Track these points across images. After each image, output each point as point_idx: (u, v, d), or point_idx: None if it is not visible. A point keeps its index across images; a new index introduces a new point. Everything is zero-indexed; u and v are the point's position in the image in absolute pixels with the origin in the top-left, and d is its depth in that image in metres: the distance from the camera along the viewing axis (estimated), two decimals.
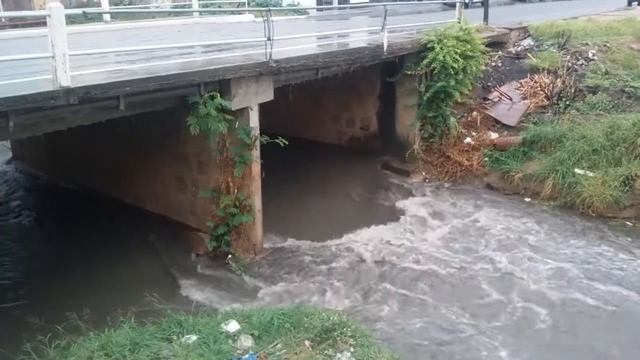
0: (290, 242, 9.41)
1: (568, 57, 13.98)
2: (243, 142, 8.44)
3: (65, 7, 6.49)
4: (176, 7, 21.13)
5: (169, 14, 18.58)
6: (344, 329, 5.96)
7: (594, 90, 12.64)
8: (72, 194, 11.66)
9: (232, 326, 5.99)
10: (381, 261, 8.87)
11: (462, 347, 6.79)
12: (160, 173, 9.86)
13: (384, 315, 7.46)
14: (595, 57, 13.94)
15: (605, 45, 14.48)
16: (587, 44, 14.52)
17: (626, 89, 12.50)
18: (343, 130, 14.10)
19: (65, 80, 6.19)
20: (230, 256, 8.65)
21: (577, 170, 10.53)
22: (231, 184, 8.53)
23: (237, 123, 8.37)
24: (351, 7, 19.05)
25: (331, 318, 6.04)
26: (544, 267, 8.52)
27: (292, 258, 8.92)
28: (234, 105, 8.23)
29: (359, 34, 12.39)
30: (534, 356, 6.66)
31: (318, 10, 19.42)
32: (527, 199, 10.89)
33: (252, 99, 8.57)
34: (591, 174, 10.37)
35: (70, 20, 11.38)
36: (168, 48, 9.69)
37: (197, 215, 9.27)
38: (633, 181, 9.96)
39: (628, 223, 9.78)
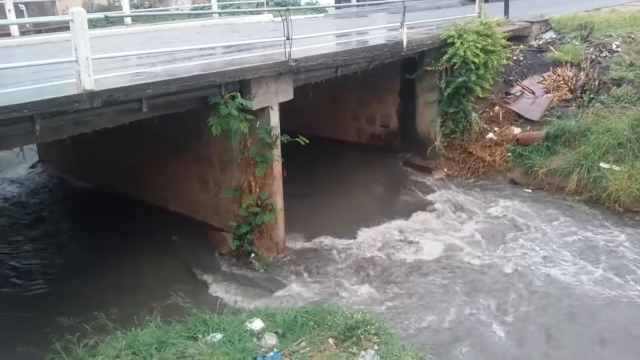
0: (313, 240, 9.43)
1: (591, 49, 13.74)
2: (264, 142, 8.49)
3: (87, 12, 6.58)
4: (195, 8, 21.30)
5: (188, 15, 18.73)
6: (368, 326, 5.98)
7: (618, 82, 12.40)
8: (96, 195, 11.84)
9: (257, 324, 6.05)
10: (405, 258, 8.85)
11: (490, 345, 6.73)
12: (183, 173, 9.97)
13: (408, 313, 7.44)
14: (620, 49, 13.67)
15: (629, 37, 14.19)
16: (611, 36, 14.25)
17: None
18: (363, 128, 14.07)
19: (89, 83, 6.29)
20: (253, 255, 8.71)
21: (602, 165, 10.35)
22: (253, 184, 8.58)
23: (258, 123, 8.43)
24: (370, 4, 18.93)
25: (355, 316, 6.07)
26: (576, 265, 8.42)
27: (314, 256, 8.95)
28: (255, 105, 8.28)
29: (377, 31, 12.32)
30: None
31: (336, 8, 19.38)
32: (552, 194, 10.72)
33: (272, 99, 8.61)
34: (617, 168, 10.18)
35: (93, 24, 11.55)
36: (188, 50, 9.78)
37: (219, 215, 9.35)
38: None
39: None
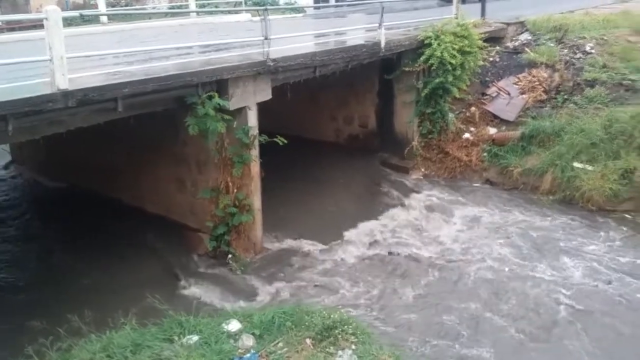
0: (291, 240, 9.42)
1: (566, 51, 13.95)
2: (241, 142, 8.45)
3: (62, 10, 6.48)
4: (173, 7, 21.11)
5: (165, 14, 18.56)
6: (345, 326, 5.99)
7: (592, 83, 12.61)
8: (71, 197, 11.66)
9: (234, 326, 6.02)
10: (382, 258, 8.90)
11: (465, 343, 6.80)
12: (159, 174, 9.88)
13: (385, 312, 7.49)
14: (593, 51, 13.90)
15: (602, 39, 14.45)
16: (585, 38, 14.48)
17: (624, 82, 12.46)
18: (341, 128, 14.11)
19: (63, 83, 6.20)
20: (230, 256, 8.66)
21: (576, 164, 10.54)
22: (230, 184, 8.54)
23: (236, 123, 8.39)
24: (348, 5, 18.97)
25: (332, 316, 6.07)
26: (551, 261, 8.60)
27: (292, 257, 8.94)
28: (232, 104, 8.24)
29: (356, 31, 12.37)
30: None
31: (315, 8, 19.39)
32: (526, 194, 10.88)
33: (250, 99, 8.58)
34: (590, 168, 10.38)
35: (67, 22, 11.38)
36: (165, 49, 9.69)
37: (196, 216, 9.28)
38: (632, 174, 9.97)
39: (627, 216, 9.79)
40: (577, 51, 13.98)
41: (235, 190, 8.56)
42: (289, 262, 8.79)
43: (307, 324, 5.97)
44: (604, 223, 9.68)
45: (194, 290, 8.08)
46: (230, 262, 8.59)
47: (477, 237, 9.45)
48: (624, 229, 9.47)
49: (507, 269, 8.44)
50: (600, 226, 9.59)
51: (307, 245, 9.26)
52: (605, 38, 14.43)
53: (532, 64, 13.49)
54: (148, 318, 6.16)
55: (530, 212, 10.26)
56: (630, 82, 12.42)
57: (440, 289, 8.03)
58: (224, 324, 6.05)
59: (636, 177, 9.93)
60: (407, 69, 11.87)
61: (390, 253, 9.03)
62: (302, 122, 14.05)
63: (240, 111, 8.48)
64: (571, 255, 8.77)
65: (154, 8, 21.67)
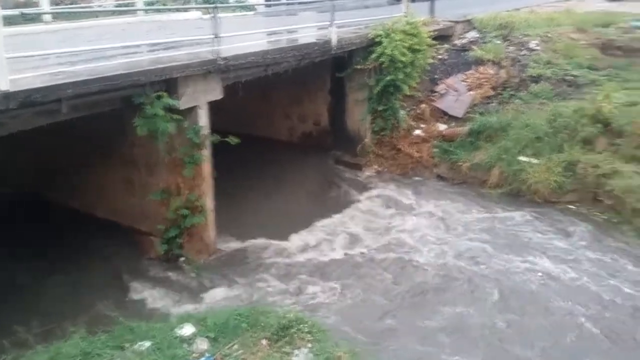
0: (245, 241, 9.32)
1: (512, 48, 14.38)
2: (192, 142, 8.33)
3: (2, 8, 6.21)
4: (120, 5, 20.54)
5: (112, 12, 18.05)
6: (301, 325, 5.99)
7: (536, 79, 13.04)
8: (17, 203, 11.18)
9: (187, 330, 5.93)
10: (336, 255, 8.94)
11: (418, 337, 6.93)
12: (108, 177, 9.62)
13: (342, 309, 7.54)
14: (538, 48, 14.37)
15: (546, 36, 14.95)
16: (530, 35, 14.95)
17: (567, 78, 12.95)
18: (295, 127, 14.11)
19: (4, 84, 5.96)
20: (183, 259, 8.53)
21: (521, 158, 10.87)
22: (181, 185, 8.42)
23: (186, 122, 8.25)
24: (299, 3, 18.93)
25: (287, 315, 6.08)
26: (494, 252, 8.87)
27: (247, 257, 8.88)
28: (182, 104, 8.10)
29: (307, 29, 12.37)
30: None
31: (266, 6, 19.25)
32: (475, 188, 11.15)
33: (200, 98, 8.46)
34: (535, 161, 10.72)
35: (8, 21, 10.92)
36: (112, 48, 9.43)
37: (147, 219, 9.07)
38: (575, 166, 10.36)
39: (571, 207, 10.16)
40: (523, 48, 14.42)
41: (187, 192, 8.44)
42: (244, 262, 8.73)
43: (262, 324, 5.95)
44: (549, 214, 10.01)
45: (145, 295, 7.92)
46: (183, 265, 8.46)
47: (429, 232, 9.61)
48: (570, 219, 9.82)
49: (462, 263, 8.62)
50: (545, 218, 9.92)
51: (261, 244, 9.20)
52: (549, 35, 14.95)
53: (480, 62, 13.84)
54: (98, 326, 5.99)
55: (479, 205, 10.51)
56: (572, 77, 12.92)
57: (396, 285, 8.12)
58: (177, 329, 5.95)
59: (579, 169, 10.31)
60: (358, 67, 11.97)
61: (346, 253, 9.07)
62: (255, 120, 13.97)
63: (191, 111, 8.35)
64: (522, 246, 9.06)
65: (99, 6, 21.04)
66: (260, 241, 9.29)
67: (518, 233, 9.49)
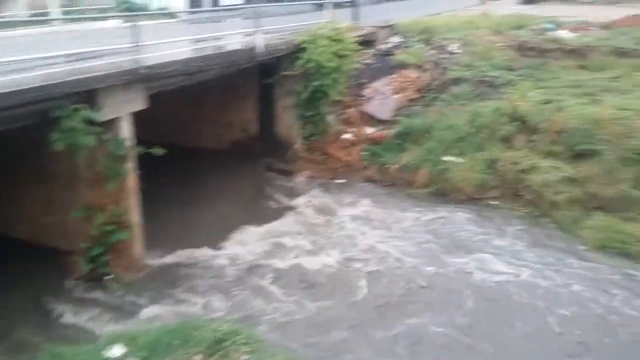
0: (176, 254, 9.03)
1: (433, 52, 14.86)
2: (115, 155, 8.03)
3: None
4: (34, 15, 19.59)
5: (26, 22, 17.18)
6: (236, 337, 5.88)
7: (457, 81, 13.53)
8: None
9: (117, 350, 5.69)
10: (271, 264, 8.86)
11: (355, 342, 6.98)
12: (26, 195, 9.09)
13: (278, 318, 7.48)
14: (458, 51, 14.92)
15: (466, 39, 15.56)
16: (450, 39, 15.51)
17: (485, 79, 13.52)
18: (224, 134, 13.92)
19: None
20: (109, 277, 8.17)
21: (446, 158, 11.25)
22: (105, 200, 8.09)
23: (108, 135, 7.95)
24: (224, 10, 18.75)
25: (221, 328, 5.93)
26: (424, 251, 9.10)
27: (178, 271, 8.63)
28: (103, 116, 7.81)
29: (233, 36, 12.28)
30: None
31: (189, 13, 18.91)
32: (404, 189, 11.41)
33: (122, 109, 8.19)
34: (459, 160, 11.13)
35: None
36: (27, 59, 8.94)
37: (70, 237, 8.62)
38: (495, 164, 10.83)
39: (494, 202, 10.60)
40: (444, 52, 14.94)
41: (111, 207, 8.12)
42: (175, 276, 8.48)
43: (196, 339, 5.78)
44: (477, 211, 10.39)
45: (71, 318, 7.50)
46: (110, 283, 8.10)
47: (361, 235, 9.72)
48: (493, 215, 10.26)
49: (398, 264, 8.77)
50: (474, 215, 10.29)
51: (193, 257, 8.97)
52: (468, 38, 15.57)
53: (403, 65, 14.20)
54: (21, 354, 5.66)
55: (408, 206, 10.75)
56: (491, 78, 13.50)
57: (334, 292, 8.13)
58: (106, 350, 5.69)
59: (499, 166, 10.79)
60: (286, 73, 12.00)
61: (280, 262, 9.00)
62: (182, 129, 13.67)
63: (113, 122, 8.06)
64: (456, 245, 9.35)
65: (13, 15, 19.97)
66: (192, 254, 9.05)
67: (451, 231, 9.76)
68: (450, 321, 7.34)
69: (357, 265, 8.81)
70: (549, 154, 10.73)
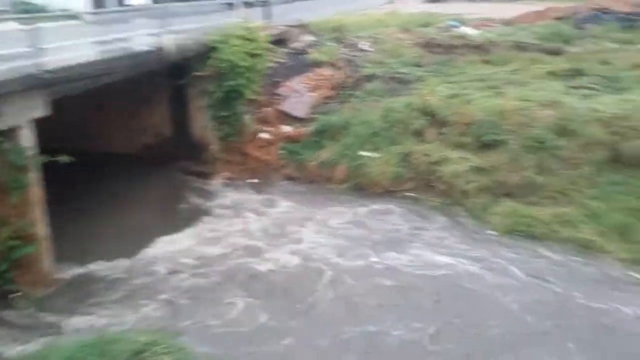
0: (88, 267, 8.61)
1: (345, 50, 15.13)
2: (16, 165, 7.57)
3: None
4: None
5: None
6: (156, 347, 5.74)
7: (370, 78, 13.89)
8: None
9: None
10: (190, 269, 8.66)
11: (284, 344, 6.94)
12: None
13: (199, 323, 7.34)
14: (369, 49, 15.30)
15: (376, 37, 15.99)
16: (361, 37, 15.87)
17: (396, 75, 13.97)
18: (136, 138, 13.43)
19: None
20: (16, 294, 7.66)
21: (362, 153, 11.51)
22: (9, 213, 7.59)
23: (7, 144, 7.48)
24: (132, 10, 18.07)
25: (140, 339, 5.78)
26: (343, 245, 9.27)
27: (90, 284, 8.23)
28: (1, 124, 7.35)
29: (142, 37, 11.86)
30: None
31: (94, 14, 18.08)
32: (323, 185, 11.55)
33: (22, 116, 7.77)
34: (375, 155, 11.41)
35: None
36: None
37: None
38: (409, 157, 11.20)
39: (410, 194, 10.94)
40: (355, 50, 15.27)
41: (14, 220, 7.63)
42: (88, 289, 8.08)
43: (113, 353, 5.60)
44: (392, 203, 10.67)
45: None
46: (17, 301, 7.60)
47: (285, 234, 9.72)
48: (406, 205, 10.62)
49: (322, 263, 8.75)
50: (389, 205, 10.57)
51: (106, 268, 8.58)
52: (378, 37, 16.00)
53: (317, 64, 14.38)
54: None
55: (329, 202, 10.88)
56: (401, 75, 13.95)
57: (255, 293, 8.04)
58: None
59: (413, 159, 11.16)
60: (198, 73, 11.79)
61: (201, 267, 8.82)
62: (92, 135, 13.07)
63: (12, 131, 7.61)
64: (378, 238, 9.56)
65: None
66: (105, 264, 8.66)
67: (371, 225, 9.95)
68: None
69: (281, 265, 8.78)
70: (458, 146, 11.22)
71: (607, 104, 11.09)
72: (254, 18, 13.62)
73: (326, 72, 14.04)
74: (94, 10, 18.43)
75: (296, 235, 9.68)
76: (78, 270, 8.56)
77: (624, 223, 9.04)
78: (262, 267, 8.70)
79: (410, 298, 7.81)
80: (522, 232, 9.45)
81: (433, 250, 9.02)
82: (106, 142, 13.25)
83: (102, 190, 10.99)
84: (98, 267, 8.62)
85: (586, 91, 12.13)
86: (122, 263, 8.77)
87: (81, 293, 8.02)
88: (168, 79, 12.30)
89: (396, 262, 8.71)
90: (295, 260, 8.87)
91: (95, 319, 7.38)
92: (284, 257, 8.97)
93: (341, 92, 13.48)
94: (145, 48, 10.54)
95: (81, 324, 7.26)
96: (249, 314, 7.53)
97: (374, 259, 8.82)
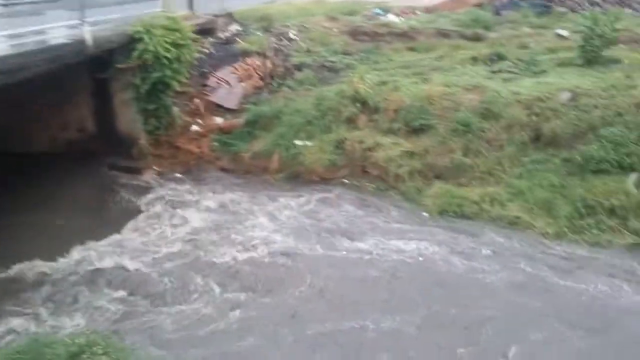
0: (15, 269, 8.20)
1: (273, 39, 15.01)
2: None
3: None
4: None
5: None
6: (94, 348, 5.50)
7: (300, 67, 13.87)
8: None
9: None
10: (123, 267, 8.43)
11: (229, 335, 6.93)
12: None
13: (137, 321, 7.16)
14: (296, 37, 15.25)
15: (303, 26, 15.95)
16: (288, 26, 15.77)
17: (326, 64, 14.03)
18: (58, 136, 12.74)
19: None
20: None
21: (297, 142, 11.51)
22: None
23: None
24: (48, 2, 17.06)
25: (77, 341, 5.51)
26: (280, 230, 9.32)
27: (18, 287, 7.84)
28: None
29: (59, 30, 11.21)
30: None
31: (4, 6, 16.95)
32: (259, 176, 11.45)
33: None
34: (309, 144, 11.45)
35: None
36: None
37: None
38: (343, 144, 11.32)
39: (345, 181, 11.08)
40: (283, 38, 15.16)
41: None
42: (15, 294, 7.67)
43: (48, 357, 5.31)
44: (329, 190, 10.77)
45: None
46: None
47: (221, 228, 9.58)
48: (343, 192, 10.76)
49: (266, 251, 8.83)
50: (326, 194, 10.66)
51: (35, 270, 8.20)
52: (305, 25, 15.97)
53: (246, 53, 14.19)
54: None
55: (265, 192, 10.82)
56: (330, 63, 14.02)
57: (195, 287, 7.94)
58: None
59: (347, 146, 11.29)
60: (121, 66, 11.35)
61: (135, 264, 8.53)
62: (8, 134, 12.24)
63: None
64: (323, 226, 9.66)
65: None
66: (33, 266, 8.26)
67: (311, 214, 10.01)
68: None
69: (226, 259, 8.68)
70: (390, 131, 11.44)
71: (527, 86, 11.61)
72: (177, 8, 13.21)
73: (255, 61, 13.89)
74: (3, 2, 17.24)
75: (228, 227, 9.57)
76: (3, 273, 8.09)
77: (547, 199, 9.54)
78: (193, 260, 8.66)
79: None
80: (454, 212, 9.79)
81: (362, 233, 9.25)
82: (26, 142, 12.45)
83: (22, 192, 10.30)
84: (23, 270, 8.23)
85: (507, 75, 12.64)
86: (49, 264, 8.41)
87: (7, 297, 7.60)
88: (90, 72, 11.73)
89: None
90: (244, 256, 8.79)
91: (24, 323, 7.12)
92: (231, 252, 8.87)
93: (272, 81, 13.42)
94: (62, 41, 9.99)
95: (10, 329, 6.92)
96: (188, 309, 7.39)
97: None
